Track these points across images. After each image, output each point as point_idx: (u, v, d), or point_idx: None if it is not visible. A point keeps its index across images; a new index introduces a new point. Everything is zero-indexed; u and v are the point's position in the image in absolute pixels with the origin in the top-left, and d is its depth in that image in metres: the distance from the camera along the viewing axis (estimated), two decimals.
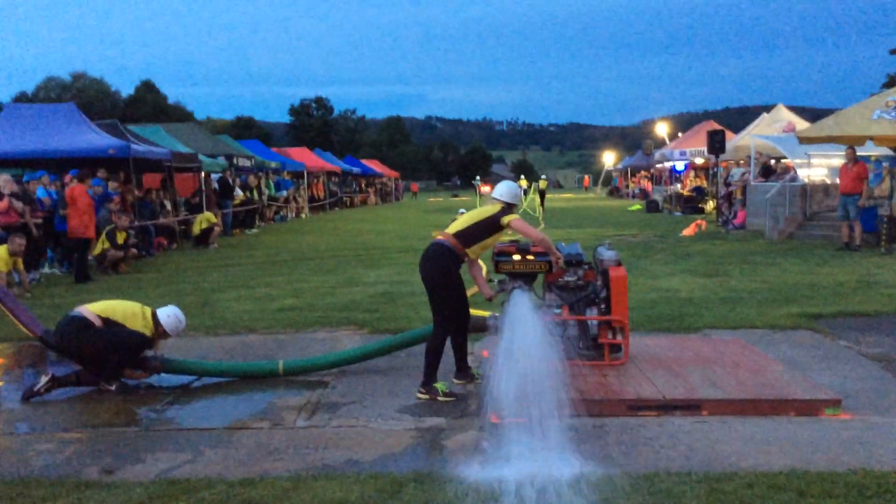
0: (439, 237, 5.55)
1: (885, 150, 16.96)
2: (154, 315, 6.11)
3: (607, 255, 6.03)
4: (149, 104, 69.43)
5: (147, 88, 73.79)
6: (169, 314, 6.16)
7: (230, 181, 22.68)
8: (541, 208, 31.30)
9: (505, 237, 5.82)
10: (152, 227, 16.37)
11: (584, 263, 6.04)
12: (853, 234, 14.23)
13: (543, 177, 42.88)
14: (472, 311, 5.93)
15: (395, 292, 10.36)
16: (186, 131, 24.77)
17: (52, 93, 68.64)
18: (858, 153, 14.83)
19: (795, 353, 6.55)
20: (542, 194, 35.09)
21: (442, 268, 5.39)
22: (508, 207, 5.69)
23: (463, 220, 5.59)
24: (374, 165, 58.23)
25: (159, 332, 6.11)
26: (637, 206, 35.89)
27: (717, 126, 28.50)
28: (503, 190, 5.80)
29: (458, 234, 5.49)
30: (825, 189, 17.37)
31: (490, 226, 5.54)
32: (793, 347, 6.75)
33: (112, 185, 15.53)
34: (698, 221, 20.60)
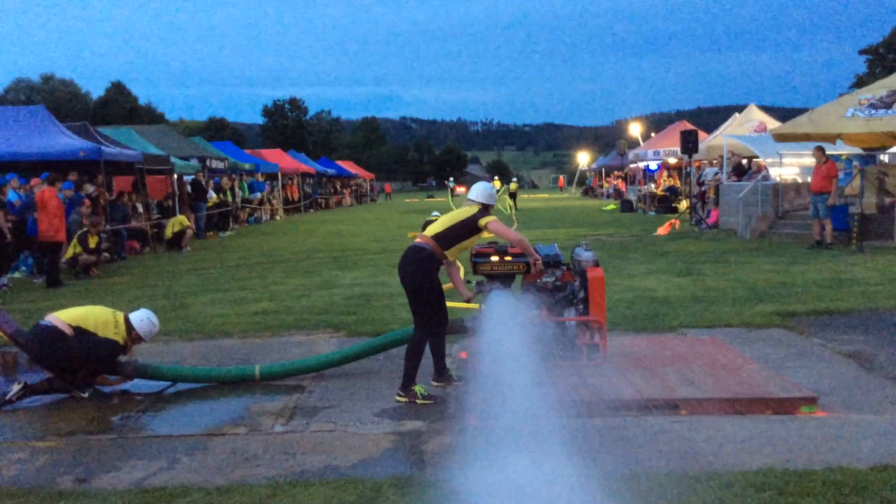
0: (418, 240, 5.51)
1: (856, 149, 17.23)
2: (126, 320, 6.03)
3: (585, 255, 6.04)
4: (120, 106, 68.62)
5: (118, 90, 72.90)
6: (142, 318, 6.07)
7: (203, 183, 22.47)
8: (513, 209, 31.41)
9: (483, 239, 5.81)
10: (124, 231, 16.17)
11: (562, 264, 6.05)
12: (824, 233, 14.40)
13: (514, 179, 43.39)
14: (452, 305, 5.92)
15: (372, 294, 10.31)
16: (158, 133, 24.52)
17: (22, 94, 67.64)
18: (830, 152, 15.03)
19: (770, 351, 6.60)
20: (513, 196, 35.36)
21: (422, 270, 5.35)
22: (485, 209, 5.68)
23: (441, 223, 5.55)
24: (349, 167, 58.09)
25: (133, 336, 6.03)
26: (612, 205, 36.10)
27: (689, 126, 28.73)
28: (479, 191, 5.79)
29: (437, 237, 5.46)
30: (796, 188, 17.58)
31: (468, 227, 5.52)
32: (768, 346, 6.80)
33: (87, 188, 15.35)
34: (672, 221, 20.76)
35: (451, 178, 61.36)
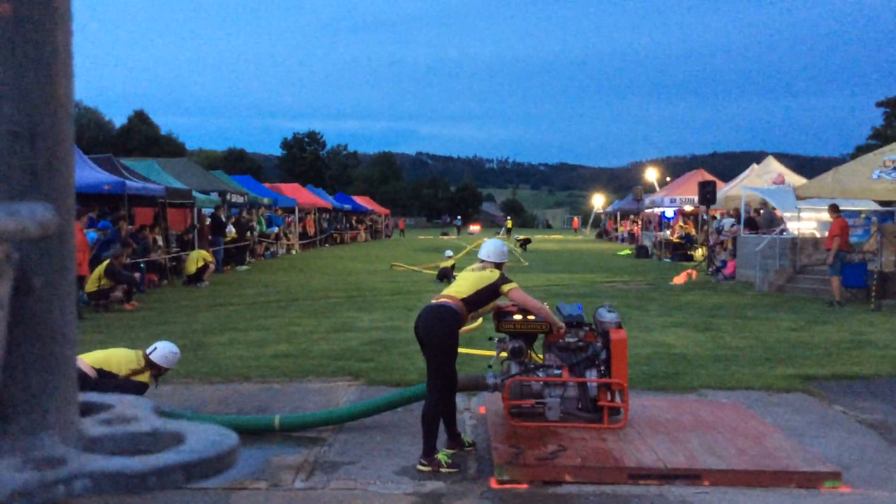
0: (446, 300, 5.50)
1: (874, 205, 17.23)
2: (146, 357, 6.08)
3: (608, 317, 6.06)
4: (141, 135, 69.45)
5: (140, 119, 73.90)
6: (164, 354, 6.14)
7: (223, 218, 22.67)
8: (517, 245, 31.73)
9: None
10: (143, 264, 16.31)
11: (585, 325, 6.07)
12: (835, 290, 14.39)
13: (509, 217, 44.92)
14: (480, 352, 5.87)
15: (388, 339, 10.33)
16: (180, 167, 24.79)
17: None
18: (850, 208, 15.06)
19: (792, 418, 6.56)
20: (508, 231, 35.95)
21: (448, 329, 5.34)
22: (499, 268, 5.74)
23: (467, 286, 5.55)
24: (366, 202, 58.40)
25: (154, 372, 6.09)
26: (627, 250, 36.07)
27: (707, 176, 28.80)
28: (490, 250, 5.84)
29: (466, 300, 5.47)
30: (814, 242, 17.53)
31: (490, 293, 5.57)
32: (789, 412, 6.76)
33: (126, 228, 15.72)
34: (689, 271, 20.71)
35: (458, 217, 62.09)
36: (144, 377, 6.00)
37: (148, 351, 6.13)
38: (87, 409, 0.87)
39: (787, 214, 19.02)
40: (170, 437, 0.79)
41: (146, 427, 0.81)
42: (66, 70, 0.78)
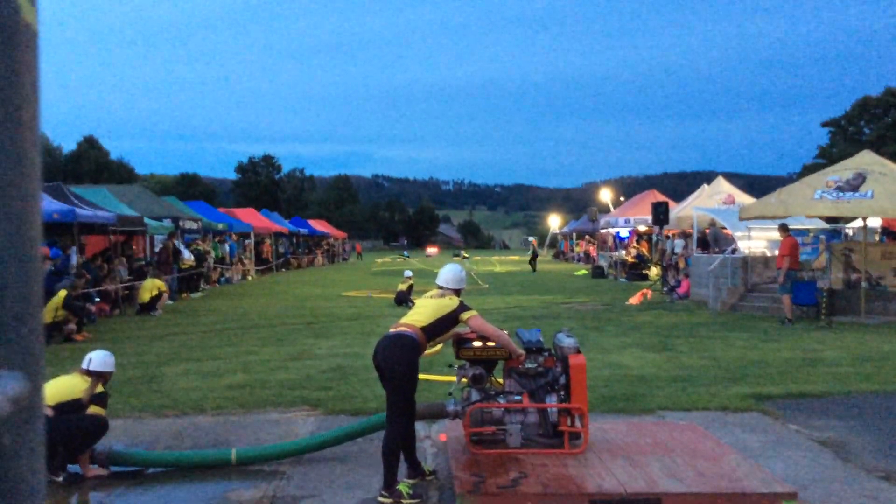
0: (405, 329, 5.46)
1: (822, 224, 17.68)
2: (89, 373, 5.96)
3: (567, 342, 6.08)
4: (91, 160, 68.32)
5: (89, 144, 72.68)
6: (102, 361, 6.04)
7: (179, 245, 22.37)
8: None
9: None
10: (96, 295, 15.97)
11: (545, 350, 6.08)
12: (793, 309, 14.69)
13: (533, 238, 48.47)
14: (439, 378, 5.83)
15: (347, 366, 10.24)
16: (132, 193, 24.42)
17: None
18: (799, 227, 15.43)
19: (748, 437, 6.65)
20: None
21: (410, 360, 5.30)
22: (458, 294, 5.73)
23: (426, 314, 5.53)
24: (322, 226, 58.09)
25: (101, 381, 5.99)
26: (583, 270, 36.44)
27: (660, 196, 29.28)
28: (448, 277, 5.83)
29: (426, 329, 5.44)
30: (765, 261, 17.91)
31: (449, 321, 5.55)
32: (745, 432, 6.85)
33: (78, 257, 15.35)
34: (644, 291, 20.98)
35: (406, 253, 62.88)
36: (99, 389, 5.91)
37: (85, 366, 6.00)
38: None
39: (737, 234, 19.41)
40: None
41: None
42: (34, 215, 0.71)
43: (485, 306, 18.21)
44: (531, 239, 64.16)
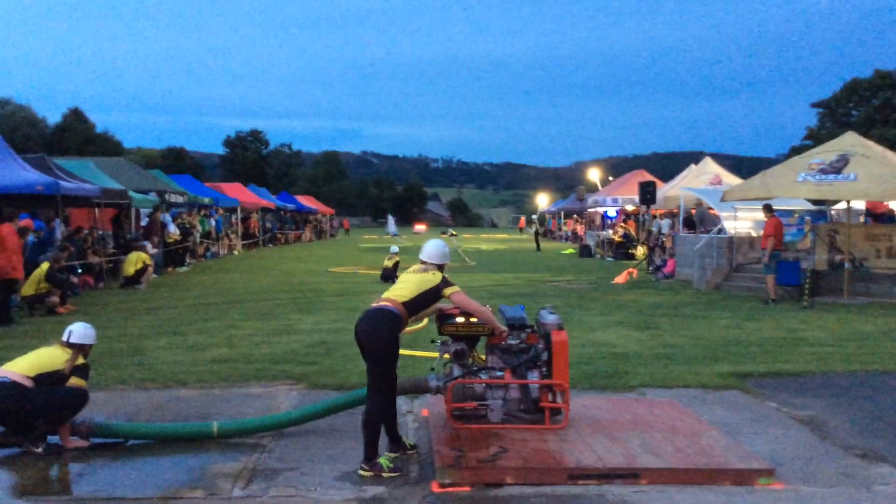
0: (386, 304, 5.44)
1: (808, 205, 17.74)
2: (70, 345, 5.93)
3: (550, 318, 6.09)
4: (77, 133, 67.57)
5: (75, 116, 71.83)
6: (83, 333, 6.00)
7: (165, 219, 22.25)
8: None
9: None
10: (79, 267, 15.87)
11: (527, 327, 6.09)
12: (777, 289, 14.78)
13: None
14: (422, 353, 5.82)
15: (331, 342, 10.23)
16: (117, 166, 24.19)
17: None
18: (784, 207, 15.47)
19: (727, 415, 6.70)
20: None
21: (390, 335, 5.29)
22: (441, 270, 5.71)
23: (407, 288, 5.52)
24: (310, 202, 57.90)
25: (83, 353, 5.96)
26: (570, 249, 36.50)
27: (648, 176, 29.30)
28: (431, 252, 5.79)
29: (407, 304, 5.43)
30: (750, 241, 17.98)
31: (432, 296, 5.54)
32: (725, 409, 6.90)
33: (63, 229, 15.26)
34: (630, 270, 21.04)
35: (392, 230, 62.61)
36: (80, 361, 5.89)
37: (65, 338, 5.96)
38: None
39: (723, 214, 19.47)
40: None
41: None
42: None
43: (472, 284, 18.23)
44: (534, 217, 64.52)
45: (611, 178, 49.00)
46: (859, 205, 17.95)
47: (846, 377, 8.30)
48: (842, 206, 17.24)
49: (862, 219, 18.56)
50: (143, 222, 22.91)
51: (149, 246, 19.40)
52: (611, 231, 33.45)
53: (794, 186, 14.23)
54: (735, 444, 5.61)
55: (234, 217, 34.74)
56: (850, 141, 15.07)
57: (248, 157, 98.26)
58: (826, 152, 14.73)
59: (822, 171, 13.74)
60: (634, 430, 5.85)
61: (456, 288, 5.60)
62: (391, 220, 68.53)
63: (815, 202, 17.73)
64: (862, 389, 7.76)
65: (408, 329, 5.75)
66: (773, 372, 8.43)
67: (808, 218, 18.02)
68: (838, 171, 13.55)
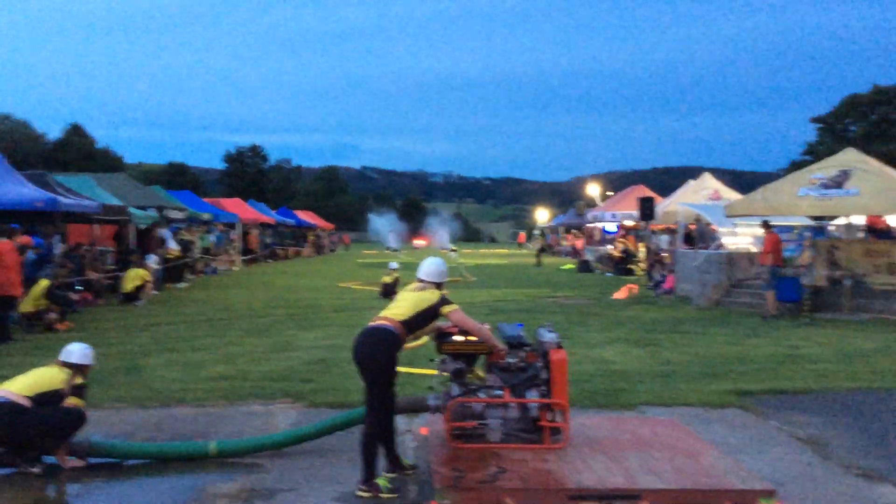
0: (384, 322, 5.42)
1: (807, 220, 17.74)
2: (68, 365, 5.91)
3: (548, 337, 6.07)
4: (77, 148, 67.66)
5: (75, 132, 71.97)
6: (82, 353, 5.99)
7: (164, 234, 22.27)
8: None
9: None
10: (79, 284, 15.86)
11: (526, 345, 6.07)
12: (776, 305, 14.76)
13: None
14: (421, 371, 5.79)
15: (330, 359, 10.20)
16: (117, 182, 24.22)
17: None
18: (783, 223, 15.48)
19: (728, 434, 6.67)
20: None
21: (388, 354, 5.27)
22: (439, 288, 5.69)
23: (406, 308, 5.50)
24: (309, 217, 57.94)
25: (82, 374, 5.95)
26: (569, 265, 36.47)
27: (647, 191, 29.37)
28: (430, 270, 5.78)
29: (405, 323, 5.41)
30: (750, 257, 17.97)
31: (430, 315, 5.52)
32: (725, 428, 6.87)
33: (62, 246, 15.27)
34: (629, 286, 21.02)
35: (392, 245, 62.40)
36: (79, 381, 5.87)
37: (64, 358, 5.95)
38: None
39: (722, 229, 19.47)
40: None
41: None
42: None
43: (471, 300, 18.21)
44: (536, 232, 64.58)
45: (610, 193, 49.09)
46: (859, 220, 17.96)
47: (847, 395, 8.27)
48: (841, 221, 17.25)
49: (861, 234, 18.56)
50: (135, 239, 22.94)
51: (153, 260, 19.41)
52: (610, 246, 33.45)
53: (795, 202, 14.25)
54: (736, 464, 5.57)
55: (233, 233, 34.73)
56: (850, 157, 15.10)
57: (247, 172, 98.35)
58: (827, 167, 14.76)
59: (824, 186, 13.77)
60: (635, 450, 5.81)
61: (454, 306, 5.58)
62: (392, 234, 68.36)
63: (814, 217, 17.74)
64: (863, 407, 7.73)
65: (408, 345, 5.73)
66: (773, 389, 8.40)
67: (807, 234, 18.02)
68: (839, 185, 13.58)
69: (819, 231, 17.96)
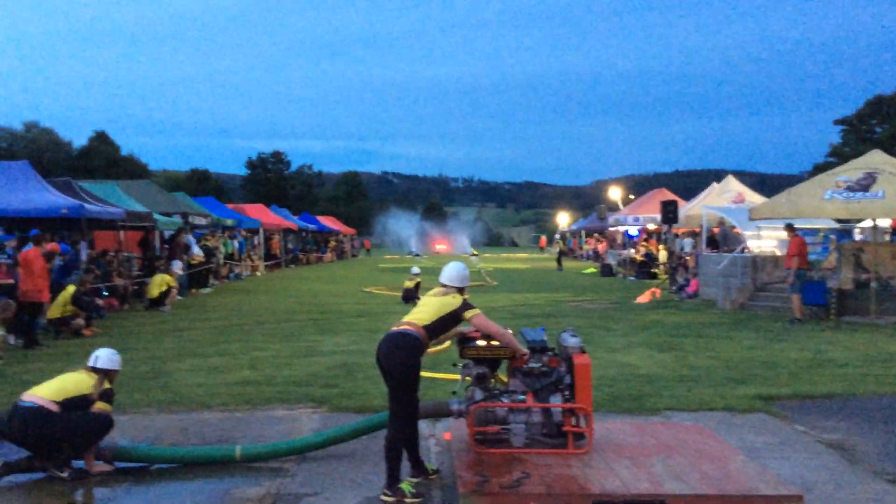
0: (407, 327, 5.44)
1: (832, 223, 17.56)
2: (94, 369, 6.00)
3: (571, 341, 6.05)
4: (102, 156, 68.48)
5: (101, 139, 72.87)
6: (109, 358, 6.09)
7: (188, 240, 22.48)
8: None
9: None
10: (105, 290, 16.04)
11: (549, 350, 6.06)
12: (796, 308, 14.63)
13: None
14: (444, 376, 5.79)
15: (353, 363, 10.24)
16: (141, 189, 24.47)
17: (4, 142, 67.36)
18: (808, 226, 15.33)
19: (754, 439, 6.61)
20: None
21: (411, 359, 5.28)
22: (461, 293, 5.70)
23: (427, 311, 5.52)
24: (331, 222, 58.17)
25: (108, 378, 6.03)
26: (591, 269, 36.35)
27: (670, 195, 29.17)
28: (452, 275, 5.78)
29: (428, 327, 5.43)
30: (774, 260, 17.81)
31: (452, 320, 5.53)
32: (751, 433, 6.81)
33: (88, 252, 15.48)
34: (653, 289, 20.91)
35: (414, 250, 63.17)
36: (106, 386, 5.96)
37: (91, 363, 6.04)
38: None
39: (747, 233, 19.32)
40: None
41: None
42: None
43: (493, 304, 18.20)
44: (556, 237, 64.63)
45: (632, 197, 48.85)
46: (885, 222, 17.76)
47: (874, 399, 8.17)
48: (867, 223, 17.05)
49: (888, 237, 18.35)
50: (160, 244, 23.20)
51: (178, 266, 19.60)
52: (632, 250, 33.30)
53: (821, 204, 14.10)
54: (762, 469, 5.53)
55: (256, 238, 34.97)
56: (876, 159, 14.92)
57: (270, 178, 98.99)
58: (852, 170, 14.60)
59: (850, 189, 13.62)
60: (660, 455, 5.78)
61: (476, 311, 5.58)
62: (413, 239, 68.61)
63: (839, 220, 17.56)
64: (891, 412, 7.63)
65: (431, 349, 5.75)
66: (799, 394, 8.32)
67: (833, 237, 17.83)
68: (866, 188, 13.42)
69: (844, 234, 17.78)
